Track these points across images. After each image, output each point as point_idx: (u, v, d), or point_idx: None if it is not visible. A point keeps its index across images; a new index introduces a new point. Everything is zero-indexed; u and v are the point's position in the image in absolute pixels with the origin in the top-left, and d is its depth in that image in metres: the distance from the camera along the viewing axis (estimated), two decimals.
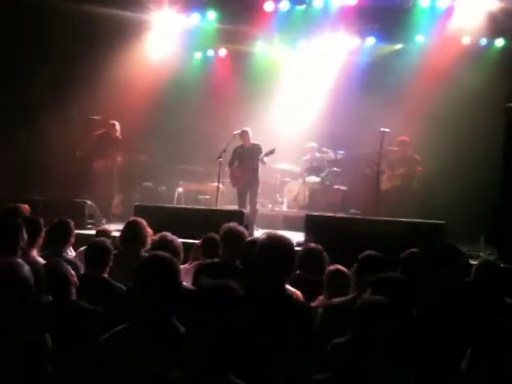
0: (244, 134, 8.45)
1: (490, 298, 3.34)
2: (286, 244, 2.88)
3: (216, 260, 4.29)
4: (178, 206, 9.12)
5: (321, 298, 3.88)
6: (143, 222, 4.60)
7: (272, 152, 8.28)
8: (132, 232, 4.54)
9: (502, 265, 3.89)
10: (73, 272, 3.24)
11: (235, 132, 8.47)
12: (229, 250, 4.17)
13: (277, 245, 2.87)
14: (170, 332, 2.35)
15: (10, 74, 9.19)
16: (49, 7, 8.73)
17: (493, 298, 3.35)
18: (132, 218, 4.75)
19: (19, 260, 2.43)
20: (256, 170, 8.37)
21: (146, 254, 4.35)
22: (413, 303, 2.96)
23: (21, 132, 9.05)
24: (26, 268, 2.35)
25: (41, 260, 4.00)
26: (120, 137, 8.85)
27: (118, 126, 8.84)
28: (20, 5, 9.01)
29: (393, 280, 2.98)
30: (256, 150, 8.38)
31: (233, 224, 4.41)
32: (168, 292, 2.39)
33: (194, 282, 4.01)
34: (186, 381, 1.95)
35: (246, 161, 8.40)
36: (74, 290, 3.19)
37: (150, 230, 4.66)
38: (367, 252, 3.74)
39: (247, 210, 8.07)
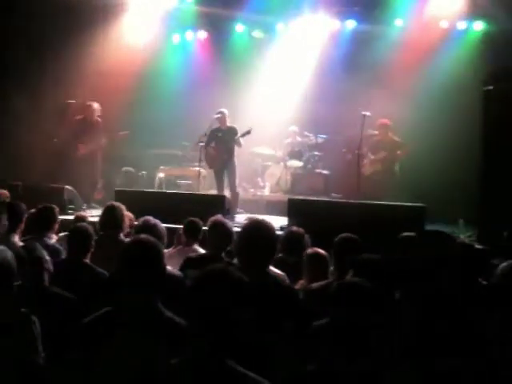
0: (220, 116, 8.34)
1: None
2: (267, 228, 2.91)
3: (203, 253, 4.28)
4: (159, 190, 9.06)
5: (301, 281, 3.91)
6: (121, 206, 4.59)
7: (248, 133, 8.21)
8: (110, 216, 4.52)
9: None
10: (48, 258, 3.20)
11: (215, 116, 8.41)
12: (215, 242, 4.17)
13: (258, 229, 2.90)
14: (155, 316, 2.34)
15: None
16: None
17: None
18: (110, 203, 4.73)
19: (2, 246, 2.40)
20: (232, 151, 8.30)
21: (126, 239, 4.35)
22: (395, 284, 2.99)
23: None
24: (9, 254, 2.33)
25: (21, 245, 3.95)
26: (99, 119, 8.69)
27: (96, 107, 8.66)
28: None
29: (375, 261, 3.02)
30: (232, 131, 8.32)
31: (219, 216, 4.42)
32: (152, 276, 2.37)
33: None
34: (185, 368, 1.93)
35: (222, 142, 8.32)
36: (46, 276, 3.16)
37: (129, 214, 4.65)
38: (343, 234, 3.78)
39: (227, 193, 8.06)
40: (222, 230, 4.19)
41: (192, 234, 4.69)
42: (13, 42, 9.06)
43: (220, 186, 8.41)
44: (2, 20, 8.97)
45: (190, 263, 4.10)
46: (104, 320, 2.36)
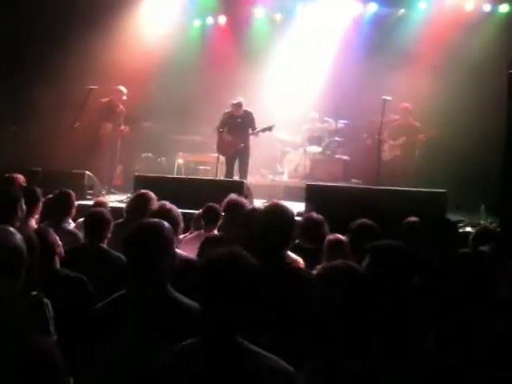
0: (234, 105, 8.23)
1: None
2: (285, 213, 2.88)
3: (219, 233, 4.25)
4: (178, 176, 9.08)
5: (319, 267, 3.87)
6: (151, 194, 4.57)
7: (269, 129, 8.15)
8: (138, 203, 4.49)
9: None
10: (59, 242, 3.21)
11: (234, 101, 8.35)
12: (231, 221, 4.15)
13: (276, 214, 2.87)
14: (165, 298, 2.34)
15: (6, 48, 9.02)
16: None
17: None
18: (141, 191, 4.67)
19: (11, 228, 2.40)
20: (247, 139, 8.25)
21: None
22: (414, 270, 2.93)
23: (17, 105, 8.95)
24: (18, 236, 2.33)
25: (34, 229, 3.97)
26: (122, 107, 8.67)
27: (124, 91, 8.61)
28: None
29: (392, 247, 2.96)
30: (249, 118, 8.24)
31: (234, 195, 4.39)
32: (159, 258, 2.36)
33: (199, 255, 4.00)
34: (196, 349, 1.94)
35: (237, 130, 8.22)
36: (57, 260, 3.17)
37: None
38: (359, 220, 3.73)
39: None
40: (238, 209, 4.16)
41: (211, 219, 4.67)
42: (33, 31, 9.11)
43: (229, 173, 8.35)
44: (22, 10, 8.99)
45: (208, 244, 4.09)
46: (116, 304, 2.37)
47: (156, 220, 2.56)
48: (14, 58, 9.00)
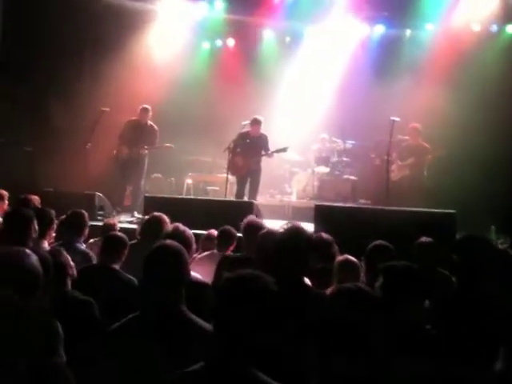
0: (255, 123, 8.18)
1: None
2: (304, 236, 2.89)
3: (238, 254, 4.30)
4: (188, 197, 9.12)
5: (331, 288, 3.87)
6: (164, 217, 4.60)
7: (284, 150, 8.21)
8: (152, 226, 4.53)
9: None
10: (72, 263, 3.23)
11: (244, 122, 8.41)
12: (249, 242, 4.17)
13: (297, 237, 2.88)
14: (180, 319, 2.36)
15: (23, 69, 9.16)
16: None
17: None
18: (155, 214, 4.69)
19: (26, 250, 2.44)
20: (260, 161, 8.29)
21: None
22: (426, 293, 2.93)
23: (31, 126, 9.07)
24: (34, 258, 2.36)
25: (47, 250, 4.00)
26: (153, 124, 8.45)
27: (150, 109, 8.42)
28: None
29: (405, 268, 2.96)
30: (263, 140, 8.31)
31: (252, 217, 4.43)
32: (175, 280, 2.40)
33: (217, 276, 4.01)
34: (207, 375, 1.92)
35: (251, 151, 8.24)
36: (69, 282, 3.19)
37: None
38: (375, 242, 3.74)
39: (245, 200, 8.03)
40: (256, 231, 4.18)
41: (226, 241, 4.71)
42: (50, 53, 9.26)
43: (240, 193, 8.35)
44: (41, 31, 9.16)
45: (225, 263, 4.11)
46: (130, 325, 2.39)
47: (174, 242, 2.59)
48: (28, 79, 9.12)
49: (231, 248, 4.76)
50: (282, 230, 3.00)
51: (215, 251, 4.72)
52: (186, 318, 2.38)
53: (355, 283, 2.32)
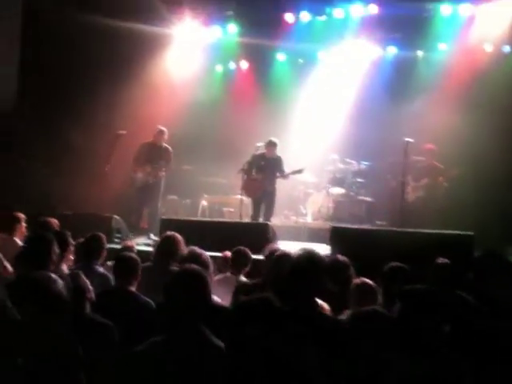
0: (270, 145, 8.26)
1: None
2: (318, 260, 2.90)
3: (256, 281, 4.29)
4: (204, 219, 9.15)
5: (348, 311, 3.85)
6: (178, 237, 4.63)
7: (300, 172, 8.25)
8: (166, 247, 4.56)
9: None
10: (90, 287, 3.26)
11: (258, 144, 8.47)
12: (272, 273, 4.15)
13: (310, 261, 2.89)
14: (203, 343, 2.39)
15: (40, 92, 9.34)
16: (67, 19, 8.84)
17: None
18: (168, 233, 4.75)
19: (53, 275, 2.48)
20: (275, 182, 8.32)
21: (175, 268, 4.39)
22: (446, 317, 2.91)
23: (50, 149, 9.21)
24: (60, 282, 2.40)
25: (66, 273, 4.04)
26: (168, 147, 8.49)
27: (166, 131, 8.48)
28: (44, 19, 9.15)
29: (423, 292, 2.96)
30: (278, 162, 8.35)
31: (276, 246, 4.43)
32: (199, 304, 2.44)
33: (234, 301, 4.01)
34: None
35: (266, 172, 8.29)
36: (88, 305, 3.21)
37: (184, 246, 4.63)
38: (392, 264, 3.72)
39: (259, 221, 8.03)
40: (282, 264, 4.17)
41: (240, 262, 4.70)
42: (68, 76, 9.44)
43: (256, 215, 8.37)
44: (57, 59, 9.34)
45: (242, 289, 4.12)
46: (153, 348, 2.41)
47: (196, 266, 2.62)
48: (47, 103, 9.29)
49: (245, 270, 4.73)
50: (295, 254, 3.02)
51: (229, 274, 4.71)
52: (208, 342, 2.40)
53: (373, 307, 2.33)
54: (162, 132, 8.49)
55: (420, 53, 10.01)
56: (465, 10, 9.05)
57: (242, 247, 4.77)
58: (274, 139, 8.35)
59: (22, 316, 2.25)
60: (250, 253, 4.74)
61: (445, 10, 9.04)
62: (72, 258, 4.52)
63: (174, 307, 2.45)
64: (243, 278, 4.63)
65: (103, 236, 4.77)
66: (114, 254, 5.18)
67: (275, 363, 1.99)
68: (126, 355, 2.54)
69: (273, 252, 4.26)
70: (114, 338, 3.14)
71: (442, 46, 9.64)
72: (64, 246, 4.27)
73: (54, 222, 5.45)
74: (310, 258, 2.91)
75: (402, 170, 7.94)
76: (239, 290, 4.14)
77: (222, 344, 2.42)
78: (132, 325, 3.30)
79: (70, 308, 2.47)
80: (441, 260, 4.24)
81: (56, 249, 3.74)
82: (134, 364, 2.42)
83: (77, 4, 8.86)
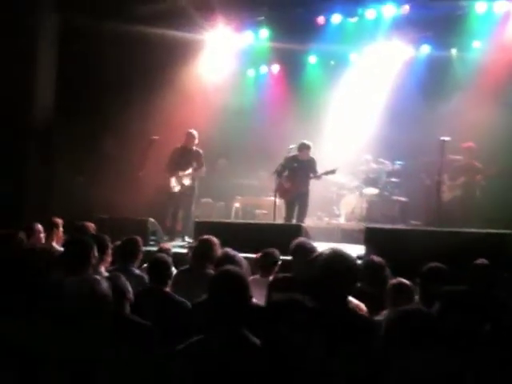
0: (303, 148, 8.26)
1: None
2: (346, 259, 2.90)
3: (288, 275, 4.30)
4: (237, 221, 9.20)
5: (384, 312, 3.82)
6: (214, 239, 4.68)
7: (333, 172, 8.22)
8: (203, 249, 4.62)
9: None
10: (130, 289, 3.33)
11: (291, 146, 8.47)
12: (299, 264, 4.18)
13: (338, 260, 2.89)
14: (244, 342, 2.42)
15: (75, 100, 9.57)
16: (101, 30, 9.01)
17: None
18: (205, 236, 4.80)
19: (97, 277, 2.55)
20: (308, 184, 8.32)
21: (211, 271, 4.43)
22: (486, 317, 2.86)
23: (85, 157, 9.43)
24: (105, 284, 2.47)
25: (106, 276, 4.13)
26: (199, 149, 8.52)
27: (196, 135, 8.48)
28: (72, 28, 9.35)
29: (463, 293, 2.92)
30: (311, 164, 8.34)
31: (302, 239, 4.44)
32: (240, 305, 2.48)
33: (268, 298, 4.03)
34: None
35: (299, 174, 8.28)
36: (127, 305, 3.27)
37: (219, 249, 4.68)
38: (431, 264, 3.68)
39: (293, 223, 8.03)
40: (305, 252, 4.18)
41: (268, 264, 4.70)
42: (98, 83, 9.64)
43: (289, 216, 8.37)
44: (92, 67, 9.54)
45: (275, 284, 4.15)
46: (195, 347, 2.45)
47: (236, 268, 2.67)
48: (84, 115, 9.50)
49: (274, 271, 4.70)
50: (322, 254, 3.03)
51: (258, 276, 4.71)
52: (249, 343, 2.44)
53: (415, 306, 2.32)
54: (191, 135, 8.54)
55: (454, 51, 9.87)
56: (500, 6, 8.87)
57: (270, 249, 4.76)
58: (306, 142, 8.35)
59: None
60: (277, 254, 4.72)
61: (480, 7, 8.88)
62: (109, 260, 4.61)
63: (215, 307, 2.50)
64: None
65: (139, 239, 4.85)
66: (150, 257, 5.29)
67: (306, 361, 2.00)
68: (165, 355, 2.59)
69: (299, 245, 4.28)
70: (152, 338, 3.19)
71: (477, 44, 9.48)
72: (103, 249, 4.37)
73: (91, 225, 5.57)
74: (339, 256, 2.91)
75: (437, 169, 7.82)
76: (272, 286, 4.15)
77: (259, 343, 2.45)
78: (168, 324, 3.35)
79: (112, 308, 2.53)
80: (480, 261, 4.16)
81: (95, 252, 3.82)
82: (174, 363, 2.46)
83: (112, 14, 9.02)
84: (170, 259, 4.17)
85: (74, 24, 9.19)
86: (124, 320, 3.22)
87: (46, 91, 9.33)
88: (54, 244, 5.61)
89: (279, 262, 4.74)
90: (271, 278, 4.63)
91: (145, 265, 5.16)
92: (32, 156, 9.14)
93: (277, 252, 4.77)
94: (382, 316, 3.76)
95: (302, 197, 8.36)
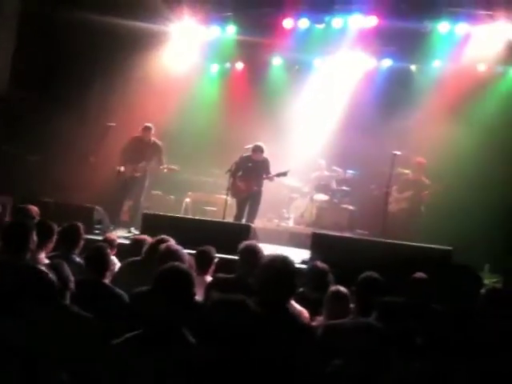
0: (257, 150, 8.28)
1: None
2: (286, 265, 2.93)
3: (230, 276, 4.30)
4: (186, 216, 9.13)
5: (320, 318, 3.88)
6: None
7: (284, 174, 8.28)
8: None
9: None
10: (72, 278, 3.24)
11: (247, 146, 8.48)
12: (244, 267, 4.18)
13: (279, 266, 2.92)
14: (180, 342, 2.40)
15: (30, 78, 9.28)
16: (66, 18, 8.81)
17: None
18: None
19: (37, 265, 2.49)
20: (261, 184, 8.36)
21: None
22: (418, 331, 2.94)
23: (39, 136, 9.15)
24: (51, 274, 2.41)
25: (47, 262, 4.01)
26: (156, 141, 8.52)
27: (153, 130, 8.49)
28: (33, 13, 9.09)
29: (401, 305, 2.99)
30: (265, 164, 8.37)
31: (251, 242, 4.44)
32: (181, 302, 2.46)
33: (206, 296, 4.01)
34: None
35: (253, 174, 8.31)
36: (68, 295, 3.19)
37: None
38: (367, 273, 3.75)
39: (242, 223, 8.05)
40: (252, 255, 4.18)
41: (203, 263, 4.60)
42: (58, 66, 9.38)
43: (239, 216, 8.38)
44: (54, 45, 9.27)
45: (215, 284, 4.14)
46: (132, 342, 2.43)
47: (183, 265, 2.65)
48: (38, 91, 9.22)
49: (210, 270, 4.63)
50: (263, 259, 3.06)
51: (194, 275, 4.64)
52: (186, 339, 2.42)
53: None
54: (147, 128, 8.52)
55: (414, 67, 10.11)
56: (461, 29, 9.14)
57: (205, 247, 4.69)
58: (259, 144, 8.37)
59: None
60: (213, 253, 4.68)
61: (443, 27, 9.12)
62: (51, 246, 4.49)
63: (157, 302, 2.47)
64: (209, 278, 4.59)
65: (80, 225, 4.76)
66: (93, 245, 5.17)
67: (242, 363, 2.01)
68: (103, 348, 2.54)
69: (247, 247, 4.28)
70: (94, 331, 3.12)
71: (437, 63, 9.74)
72: (46, 235, 4.27)
73: (34, 209, 5.41)
74: (281, 262, 2.94)
75: (386, 180, 8.00)
76: (212, 286, 4.14)
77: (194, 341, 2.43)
78: (105, 317, 3.28)
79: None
80: (418, 274, 4.28)
81: (34, 236, 3.71)
82: (112, 357, 2.43)
83: (77, 2, 8.81)
84: (107, 248, 4.09)
85: (34, 9, 8.92)
86: (64, 310, 3.14)
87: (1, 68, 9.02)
88: None
89: (215, 260, 4.70)
90: (208, 277, 4.58)
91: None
92: None
93: (213, 250, 4.71)
94: (317, 322, 3.82)
95: (254, 197, 8.38)
